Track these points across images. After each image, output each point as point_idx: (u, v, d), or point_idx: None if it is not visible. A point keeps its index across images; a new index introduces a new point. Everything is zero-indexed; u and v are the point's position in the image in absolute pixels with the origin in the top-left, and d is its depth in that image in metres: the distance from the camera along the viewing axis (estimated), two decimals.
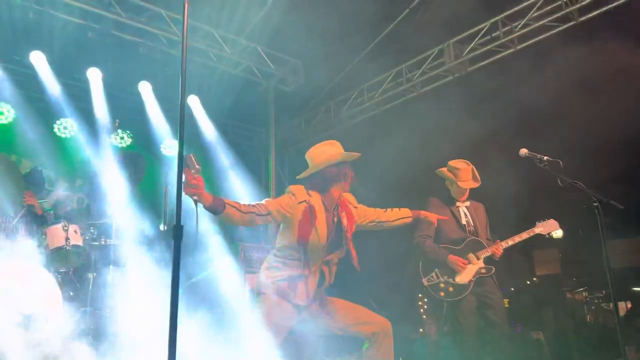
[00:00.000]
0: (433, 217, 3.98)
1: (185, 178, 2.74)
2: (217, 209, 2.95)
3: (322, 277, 3.41)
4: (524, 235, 4.48)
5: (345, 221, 3.45)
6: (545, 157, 3.70)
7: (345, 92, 9.27)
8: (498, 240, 4.46)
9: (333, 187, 3.43)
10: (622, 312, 9.49)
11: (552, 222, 4.54)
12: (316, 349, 3.52)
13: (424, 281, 4.39)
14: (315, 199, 3.37)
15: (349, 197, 3.64)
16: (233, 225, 3.07)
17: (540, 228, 4.53)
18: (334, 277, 3.50)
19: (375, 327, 3.37)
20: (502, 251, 4.40)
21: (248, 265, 6.53)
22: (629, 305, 10.33)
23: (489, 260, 4.43)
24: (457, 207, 4.56)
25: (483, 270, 4.38)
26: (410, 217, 3.88)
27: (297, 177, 3.52)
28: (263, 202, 3.21)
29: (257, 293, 3.41)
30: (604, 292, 9.39)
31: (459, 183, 4.47)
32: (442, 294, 4.33)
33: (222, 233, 6.96)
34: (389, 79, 8.62)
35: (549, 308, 7.88)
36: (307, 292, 3.32)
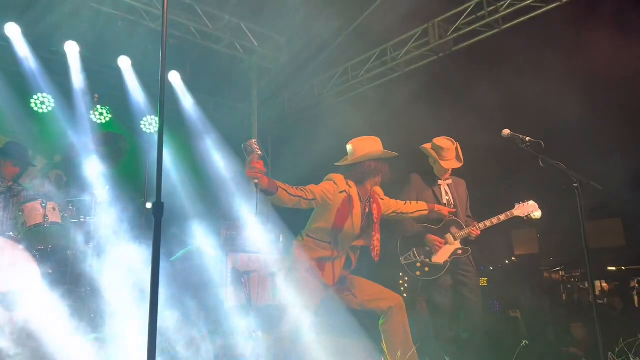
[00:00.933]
0: (444, 210, 4.33)
1: (249, 162, 2.99)
2: (271, 190, 3.15)
3: (348, 262, 3.71)
4: (502, 217, 4.51)
5: (375, 212, 3.73)
6: (528, 138, 3.72)
7: (329, 70, 9.19)
8: (475, 222, 4.50)
9: (369, 180, 3.71)
10: (597, 292, 9.73)
11: (531, 204, 4.57)
12: (339, 324, 3.79)
13: (402, 260, 4.43)
14: (353, 190, 3.63)
15: (378, 190, 3.90)
16: (282, 206, 3.29)
17: (518, 210, 4.56)
18: (357, 262, 3.78)
19: (389, 302, 3.67)
20: (479, 232, 4.44)
21: (230, 245, 6.51)
22: (604, 285, 10.59)
23: (466, 241, 4.47)
24: (439, 185, 4.58)
25: (459, 251, 4.42)
26: (426, 210, 4.23)
27: (336, 164, 3.78)
28: (306, 187, 3.41)
29: (290, 269, 3.63)
30: (580, 271, 9.60)
31: (441, 163, 4.49)
32: (418, 273, 4.38)
33: (204, 212, 6.92)
34: (374, 57, 8.56)
35: (527, 287, 8.03)
36: (333, 274, 3.60)
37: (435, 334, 4.38)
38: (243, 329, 4.89)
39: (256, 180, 3.03)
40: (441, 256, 4.39)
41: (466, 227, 4.46)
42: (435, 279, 4.38)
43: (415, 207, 4.17)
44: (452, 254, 4.41)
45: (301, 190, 3.32)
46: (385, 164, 3.74)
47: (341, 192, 3.55)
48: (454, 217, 4.51)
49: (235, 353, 3.59)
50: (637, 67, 6.08)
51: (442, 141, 4.53)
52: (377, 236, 3.69)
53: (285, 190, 3.21)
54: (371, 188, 3.78)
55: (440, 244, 4.37)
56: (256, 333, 4.88)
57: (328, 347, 3.56)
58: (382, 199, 3.94)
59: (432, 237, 4.38)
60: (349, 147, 3.80)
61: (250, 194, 8.32)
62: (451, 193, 4.59)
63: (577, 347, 5.41)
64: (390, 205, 4.01)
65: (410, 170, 4.63)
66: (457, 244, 4.43)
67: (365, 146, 3.71)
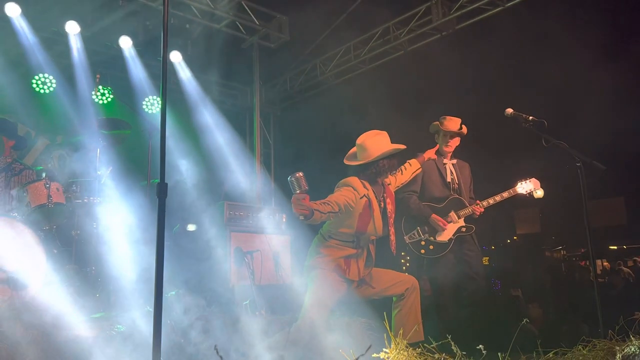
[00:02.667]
0: (429, 153, 4.51)
1: (297, 199, 3.16)
2: (309, 217, 3.24)
3: (369, 257, 3.77)
4: (505, 195, 4.57)
5: (389, 206, 3.78)
6: (530, 117, 3.71)
7: (331, 50, 9.12)
8: (478, 200, 4.54)
9: (382, 177, 3.76)
10: (598, 270, 9.78)
11: (533, 181, 4.61)
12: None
13: (406, 238, 4.49)
14: (371, 193, 3.68)
15: (387, 180, 3.94)
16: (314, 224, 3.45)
17: (520, 187, 4.61)
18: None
19: (405, 285, 3.77)
20: (482, 210, 4.49)
21: (233, 224, 6.54)
22: (605, 263, 10.65)
23: (469, 219, 4.53)
24: (444, 164, 4.63)
25: (463, 229, 4.48)
26: (419, 168, 4.34)
27: (347, 162, 3.80)
28: (330, 199, 3.45)
29: (312, 267, 3.69)
30: (581, 250, 9.64)
31: (443, 128, 4.56)
32: (422, 251, 4.45)
33: (207, 190, 6.94)
34: (376, 36, 8.49)
35: (528, 266, 8.08)
36: (358, 270, 3.68)
37: (438, 313, 4.44)
38: (247, 307, 4.95)
39: (302, 217, 3.20)
40: (445, 234, 4.45)
41: (469, 206, 4.51)
42: (439, 257, 4.43)
43: (410, 170, 4.27)
44: (456, 232, 4.46)
45: (327, 204, 3.37)
46: (395, 159, 3.75)
47: (361, 197, 3.60)
48: (457, 196, 4.56)
49: (240, 330, 3.64)
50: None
51: (448, 119, 4.60)
52: (392, 230, 3.77)
53: (318, 211, 3.28)
54: (382, 182, 3.83)
55: (444, 224, 4.41)
56: (260, 312, 4.94)
57: (332, 325, 3.62)
58: (390, 184, 3.98)
59: (436, 217, 4.43)
60: (359, 144, 3.74)
61: (252, 176, 8.36)
62: (455, 173, 4.64)
63: (533, 325, 5.59)
64: (394, 185, 4.08)
65: (415, 150, 4.64)
66: (461, 222, 4.50)
67: (375, 142, 3.69)
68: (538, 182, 4.62)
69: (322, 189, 3.75)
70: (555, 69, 6.99)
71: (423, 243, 4.44)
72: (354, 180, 3.67)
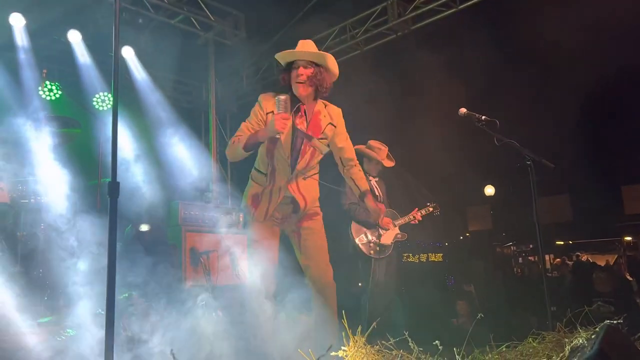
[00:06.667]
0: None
1: (281, 117, 2.98)
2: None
3: (295, 204, 3.44)
4: (423, 212, 5.19)
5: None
6: (483, 117, 3.80)
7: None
8: (416, 208, 5.19)
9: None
10: (547, 265, 10.14)
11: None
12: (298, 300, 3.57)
13: (357, 241, 4.89)
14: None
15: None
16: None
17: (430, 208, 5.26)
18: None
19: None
20: (420, 218, 5.15)
21: (188, 224, 6.43)
22: (555, 259, 11.06)
23: (403, 228, 5.14)
24: (370, 180, 5.03)
25: (399, 236, 5.10)
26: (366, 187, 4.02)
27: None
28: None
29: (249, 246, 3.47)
30: (530, 246, 9.98)
31: (383, 162, 5.05)
32: (372, 252, 4.89)
33: (159, 190, 6.80)
34: (333, 35, 8.52)
35: (480, 262, 8.30)
36: (267, 210, 3.39)
37: (402, 309, 5.09)
38: (203, 309, 4.87)
39: (278, 135, 3.07)
40: (387, 238, 5.00)
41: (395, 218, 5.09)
42: (385, 257, 4.96)
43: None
44: (394, 238, 5.06)
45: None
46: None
47: (267, 113, 3.24)
48: (389, 208, 5.14)
49: (197, 332, 3.58)
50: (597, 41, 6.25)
51: (377, 143, 5.07)
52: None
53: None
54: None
55: (389, 224, 4.89)
56: (217, 313, 4.87)
57: (288, 324, 3.56)
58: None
59: (386, 220, 4.84)
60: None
61: (206, 175, 8.21)
62: (379, 189, 5.12)
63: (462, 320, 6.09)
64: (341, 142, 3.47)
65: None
66: (397, 230, 5.09)
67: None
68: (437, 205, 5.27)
69: None
70: (507, 69, 7.19)
71: (372, 245, 4.90)
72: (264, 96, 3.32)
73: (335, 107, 3.45)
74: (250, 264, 3.45)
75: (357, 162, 3.60)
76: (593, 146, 10.59)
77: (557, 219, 11.06)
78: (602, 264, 10.28)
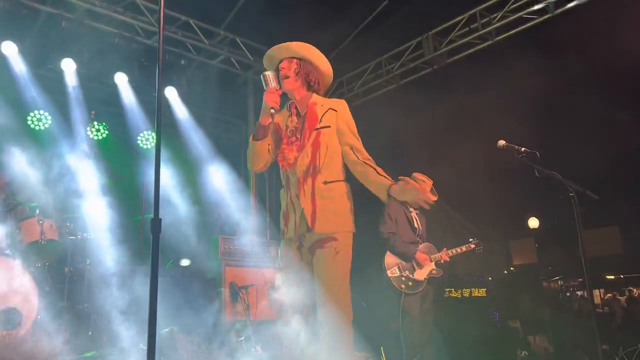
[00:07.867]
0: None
1: (270, 91, 2.95)
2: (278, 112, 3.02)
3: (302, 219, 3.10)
4: (464, 249, 5.03)
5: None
6: (523, 149, 3.73)
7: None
8: (445, 248, 4.94)
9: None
10: (597, 300, 9.71)
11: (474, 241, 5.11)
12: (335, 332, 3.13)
13: (388, 273, 4.75)
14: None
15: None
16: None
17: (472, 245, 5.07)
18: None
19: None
20: (448, 258, 4.89)
21: (228, 258, 6.48)
22: (603, 293, 10.58)
23: (438, 264, 4.91)
24: (410, 211, 4.99)
25: (434, 272, 4.85)
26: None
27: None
28: None
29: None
30: (578, 280, 9.59)
31: (429, 195, 4.74)
32: (402, 286, 4.70)
33: (200, 225, 6.91)
34: (369, 70, 8.62)
35: (526, 297, 8.02)
36: (295, 226, 3.09)
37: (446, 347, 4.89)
38: (242, 344, 4.87)
39: (272, 110, 2.95)
40: (422, 274, 4.79)
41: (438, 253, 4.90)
42: (417, 293, 4.72)
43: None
44: (429, 273, 4.83)
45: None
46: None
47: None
48: (427, 242, 4.98)
49: None
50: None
51: (421, 176, 4.98)
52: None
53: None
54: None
55: (425, 260, 4.76)
56: (256, 348, 4.86)
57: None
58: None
59: (421, 255, 4.78)
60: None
61: (247, 208, 8.31)
62: (419, 221, 5.02)
63: (533, 357, 5.70)
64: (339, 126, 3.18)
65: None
66: (433, 265, 4.85)
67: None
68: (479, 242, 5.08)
69: None
70: (547, 99, 7.08)
71: (403, 279, 4.72)
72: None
73: (338, 99, 3.31)
74: (281, 294, 3.18)
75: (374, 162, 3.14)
76: None
77: (607, 252, 10.61)
78: None
